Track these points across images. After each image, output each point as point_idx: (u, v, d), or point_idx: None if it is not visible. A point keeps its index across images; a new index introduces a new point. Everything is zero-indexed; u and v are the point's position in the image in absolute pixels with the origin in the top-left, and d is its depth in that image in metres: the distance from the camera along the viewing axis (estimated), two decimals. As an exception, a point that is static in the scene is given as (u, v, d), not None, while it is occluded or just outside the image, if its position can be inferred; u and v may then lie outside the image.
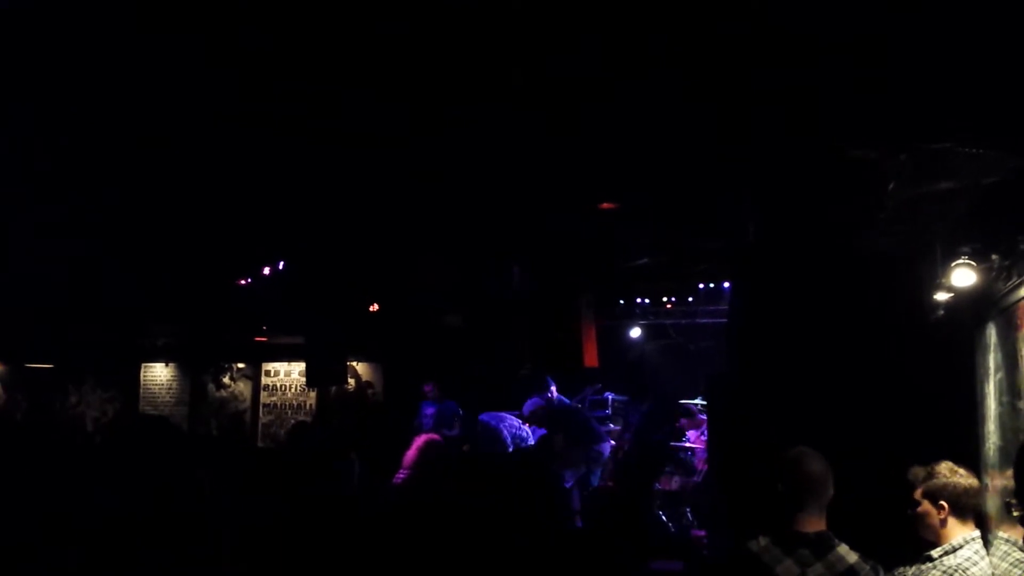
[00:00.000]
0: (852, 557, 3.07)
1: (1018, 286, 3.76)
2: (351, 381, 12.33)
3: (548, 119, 5.02)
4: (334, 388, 12.27)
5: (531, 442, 9.10)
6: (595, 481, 8.30)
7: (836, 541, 3.09)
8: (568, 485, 7.87)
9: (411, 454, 5.70)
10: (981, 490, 3.66)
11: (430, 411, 10.42)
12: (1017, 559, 3.48)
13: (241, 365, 13.12)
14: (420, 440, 5.81)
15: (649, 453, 8.70)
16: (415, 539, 4.52)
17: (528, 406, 8.94)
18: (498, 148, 5.60)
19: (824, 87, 3.86)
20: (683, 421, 9.97)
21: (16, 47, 4.38)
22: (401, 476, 5.70)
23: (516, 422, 9.12)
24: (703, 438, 9.34)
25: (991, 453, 4.17)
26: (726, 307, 9.42)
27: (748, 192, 5.52)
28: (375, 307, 10.54)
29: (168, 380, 13.46)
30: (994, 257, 3.99)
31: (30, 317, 11.06)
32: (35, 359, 13.51)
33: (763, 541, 3.13)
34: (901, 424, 4.55)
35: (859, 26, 3.42)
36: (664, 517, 8.61)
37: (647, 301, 11.54)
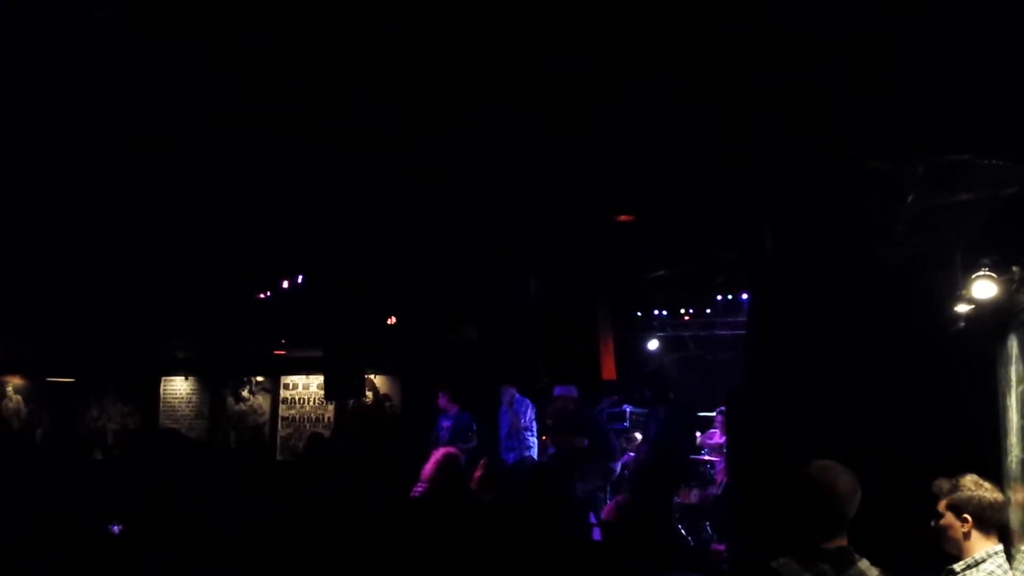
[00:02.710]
0: (873, 572, 3.03)
1: (1040, 297, 3.73)
2: (369, 394, 12.35)
3: (564, 127, 5.02)
4: (352, 401, 12.30)
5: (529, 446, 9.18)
6: (607, 498, 8.29)
7: (856, 556, 3.06)
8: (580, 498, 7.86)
9: (429, 467, 5.71)
10: (1005, 504, 3.62)
11: (447, 424, 10.42)
12: (1041, 574, 3.45)
13: (260, 378, 13.17)
14: (438, 453, 5.83)
15: (666, 464, 8.66)
16: (420, 541, 4.53)
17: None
18: (516, 159, 5.61)
19: (833, 90, 3.85)
20: (718, 419, 9.92)
21: (28, 50, 4.43)
22: (419, 489, 5.72)
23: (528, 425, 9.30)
24: (723, 450, 9.30)
25: (1013, 466, 4.13)
26: (744, 318, 9.39)
27: (764, 203, 5.50)
28: (393, 320, 10.57)
29: (188, 393, 13.53)
30: (1015, 268, 3.96)
31: (51, 331, 11.16)
32: (57, 373, 13.62)
33: (783, 556, 3.11)
34: (923, 437, 4.51)
35: (862, 26, 3.41)
36: (683, 530, 8.57)
37: (665, 313, 11.52)
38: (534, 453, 9.44)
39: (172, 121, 5.35)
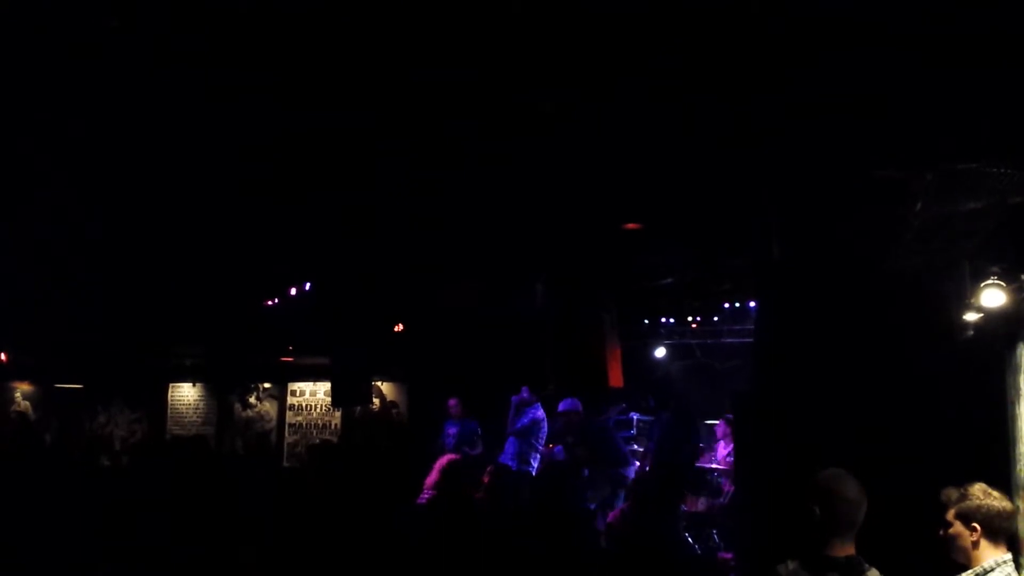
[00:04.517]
0: (883, 581, 3.03)
1: (1048, 306, 3.72)
2: (376, 400, 12.36)
3: (569, 132, 5.02)
4: (359, 407, 12.31)
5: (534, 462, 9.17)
6: (619, 504, 8.26)
7: (866, 566, 3.06)
8: (592, 507, 7.84)
9: (434, 475, 5.71)
10: (1014, 513, 3.61)
11: (453, 430, 10.42)
12: (1050, 583, 3.43)
13: (267, 385, 13.20)
14: (442, 461, 5.82)
15: (671, 472, 8.65)
16: (426, 549, 4.53)
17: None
18: (522, 165, 5.61)
19: (841, 94, 3.84)
20: (720, 432, 9.90)
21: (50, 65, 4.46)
22: (424, 497, 5.71)
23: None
24: (730, 459, 9.27)
25: (1022, 475, 4.11)
26: (751, 326, 9.37)
27: (772, 210, 5.50)
28: (400, 327, 10.57)
29: (195, 400, 13.55)
30: (1023, 276, 3.95)
31: (60, 338, 11.19)
32: (65, 379, 13.66)
33: (791, 564, 3.11)
34: (931, 445, 4.50)
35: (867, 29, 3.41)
36: (690, 539, 8.54)
37: (672, 320, 11.50)
38: (535, 461, 9.43)
39: (180, 127, 5.37)
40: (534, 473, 9.17)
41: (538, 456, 9.42)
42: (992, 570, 3.40)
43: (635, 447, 10.31)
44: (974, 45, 3.20)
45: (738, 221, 6.20)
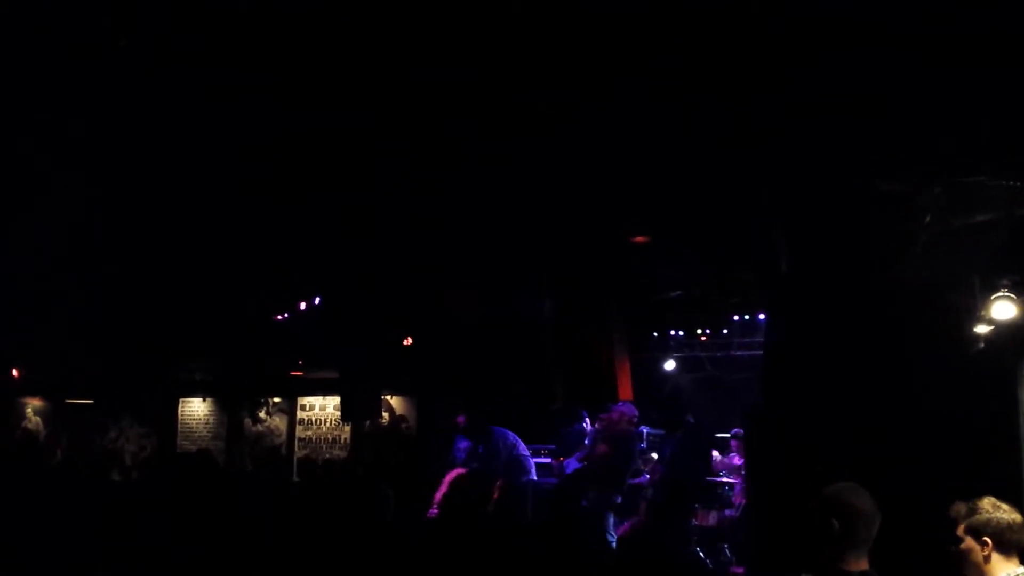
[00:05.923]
0: (894, 596, 3.00)
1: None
2: (385, 415, 12.36)
3: (579, 147, 5.03)
4: (368, 422, 12.31)
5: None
6: (610, 524, 8.21)
7: (881, 580, 3.04)
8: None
9: (443, 489, 5.70)
10: (1024, 525, 3.58)
11: (463, 444, 10.39)
12: (1063, 597, 3.40)
13: (277, 400, 13.22)
14: (451, 475, 5.82)
15: (682, 487, 8.60)
16: (443, 563, 4.52)
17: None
18: (532, 179, 5.62)
19: (846, 105, 3.84)
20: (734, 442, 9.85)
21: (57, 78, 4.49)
22: (434, 512, 5.71)
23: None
24: (741, 472, 9.23)
25: (1035, 488, 4.09)
26: (761, 339, 9.33)
27: (782, 223, 5.49)
28: (409, 341, 10.58)
29: (205, 415, 13.58)
30: (1034, 288, 3.94)
31: (71, 353, 11.24)
32: (75, 395, 13.70)
33: (805, 579, 3.08)
34: (941, 459, 4.47)
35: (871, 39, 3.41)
36: (702, 553, 8.49)
37: (681, 333, 11.47)
38: (534, 475, 9.40)
39: (181, 128, 5.37)
40: (533, 475, 9.14)
41: (529, 458, 9.39)
42: (1005, 584, 3.37)
43: (648, 459, 10.24)
44: (974, 45, 3.19)
45: (748, 234, 6.19)
